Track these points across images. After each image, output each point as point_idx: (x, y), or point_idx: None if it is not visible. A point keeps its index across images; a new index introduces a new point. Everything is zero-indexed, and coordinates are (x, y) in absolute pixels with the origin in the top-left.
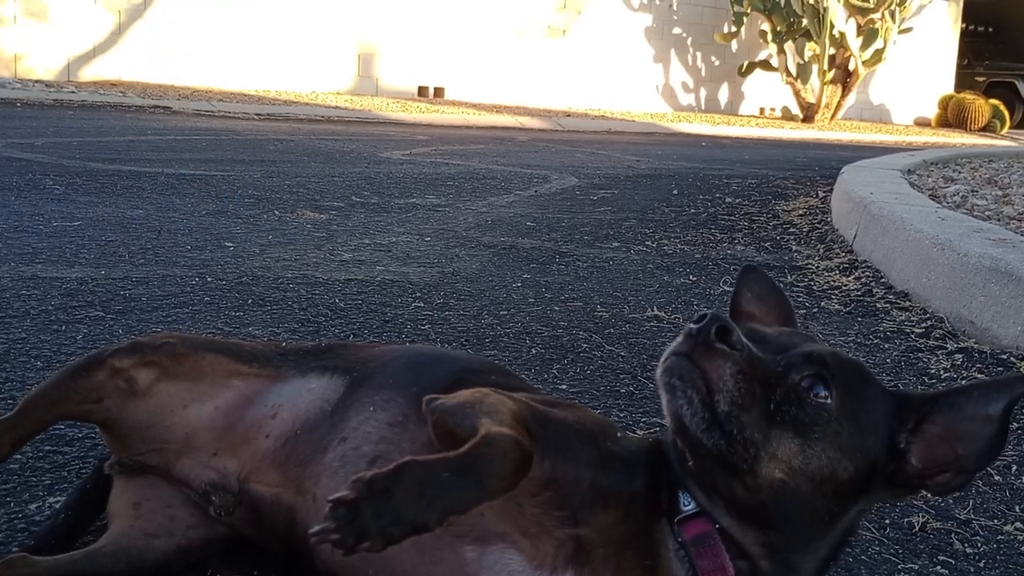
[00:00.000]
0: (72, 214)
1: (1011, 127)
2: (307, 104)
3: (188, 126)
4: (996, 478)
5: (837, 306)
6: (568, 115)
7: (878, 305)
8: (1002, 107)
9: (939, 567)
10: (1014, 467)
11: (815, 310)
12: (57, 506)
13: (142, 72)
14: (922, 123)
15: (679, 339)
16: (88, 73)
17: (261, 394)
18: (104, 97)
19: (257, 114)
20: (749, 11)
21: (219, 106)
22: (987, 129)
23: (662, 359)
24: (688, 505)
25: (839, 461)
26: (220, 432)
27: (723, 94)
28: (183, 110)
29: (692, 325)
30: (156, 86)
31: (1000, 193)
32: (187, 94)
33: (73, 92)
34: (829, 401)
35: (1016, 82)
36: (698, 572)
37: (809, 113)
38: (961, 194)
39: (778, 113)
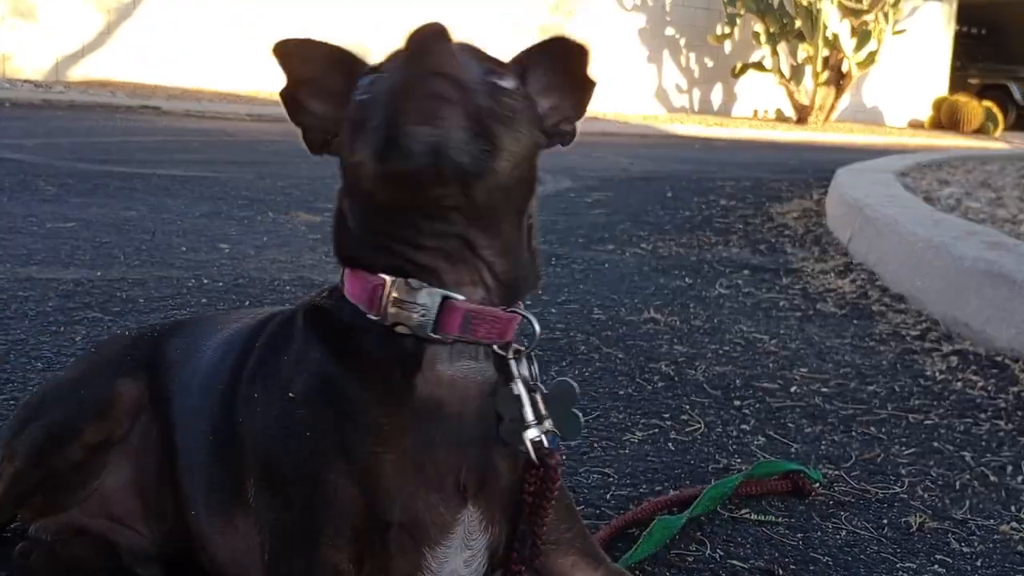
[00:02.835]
0: (65, 215)
1: (1004, 129)
2: None
3: (179, 127)
4: (992, 479)
5: (833, 308)
6: None
7: (874, 308)
8: (995, 109)
9: (936, 566)
10: (1009, 467)
11: (811, 313)
12: None
13: (131, 72)
14: (916, 125)
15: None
16: (77, 73)
17: None
18: (93, 97)
19: (248, 114)
20: (742, 12)
21: (209, 106)
22: (980, 131)
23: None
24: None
25: (537, 135)
26: None
27: (716, 96)
28: (173, 110)
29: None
30: (145, 86)
31: (994, 196)
32: (177, 94)
33: (62, 92)
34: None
35: (1009, 84)
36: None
37: (803, 115)
38: (955, 197)
39: (772, 115)
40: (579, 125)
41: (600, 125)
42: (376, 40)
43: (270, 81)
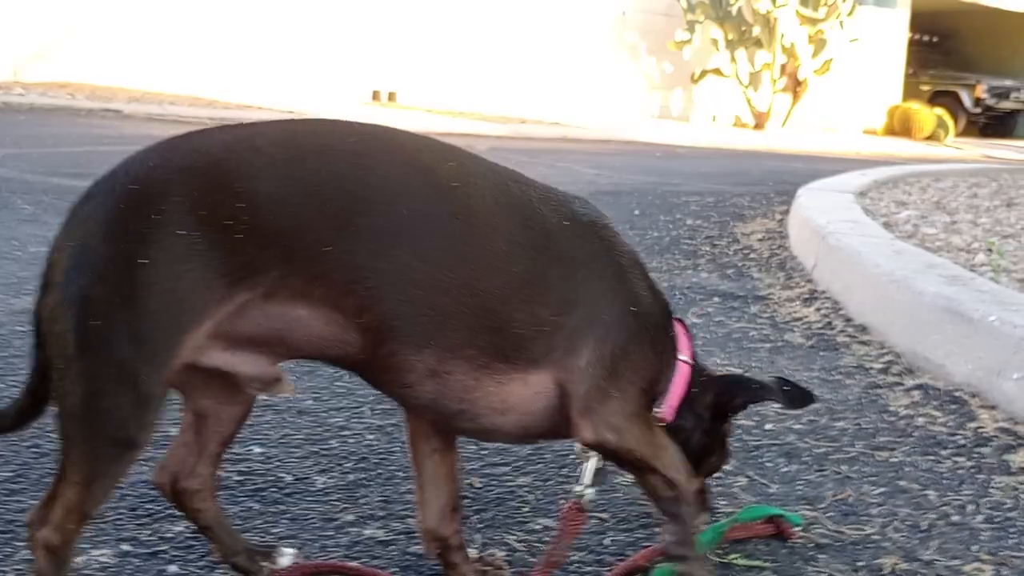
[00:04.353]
0: (47, 237)
1: (955, 136)
2: (261, 109)
3: (143, 133)
4: (955, 518)
5: (800, 339)
6: (524, 122)
7: (838, 339)
8: (946, 116)
9: None
10: (970, 506)
11: (780, 344)
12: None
13: (89, 74)
14: (870, 132)
15: None
16: (35, 75)
17: None
18: (53, 100)
19: (211, 118)
20: (702, 19)
21: (170, 110)
22: (932, 138)
23: None
24: None
25: None
26: None
27: (676, 101)
28: (134, 113)
29: None
30: (105, 88)
31: (948, 220)
32: (137, 96)
33: (21, 95)
34: None
35: (959, 91)
36: None
37: (760, 121)
38: (912, 221)
39: (730, 121)
40: (542, 131)
41: (561, 131)
42: (334, 38)
43: (230, 84)
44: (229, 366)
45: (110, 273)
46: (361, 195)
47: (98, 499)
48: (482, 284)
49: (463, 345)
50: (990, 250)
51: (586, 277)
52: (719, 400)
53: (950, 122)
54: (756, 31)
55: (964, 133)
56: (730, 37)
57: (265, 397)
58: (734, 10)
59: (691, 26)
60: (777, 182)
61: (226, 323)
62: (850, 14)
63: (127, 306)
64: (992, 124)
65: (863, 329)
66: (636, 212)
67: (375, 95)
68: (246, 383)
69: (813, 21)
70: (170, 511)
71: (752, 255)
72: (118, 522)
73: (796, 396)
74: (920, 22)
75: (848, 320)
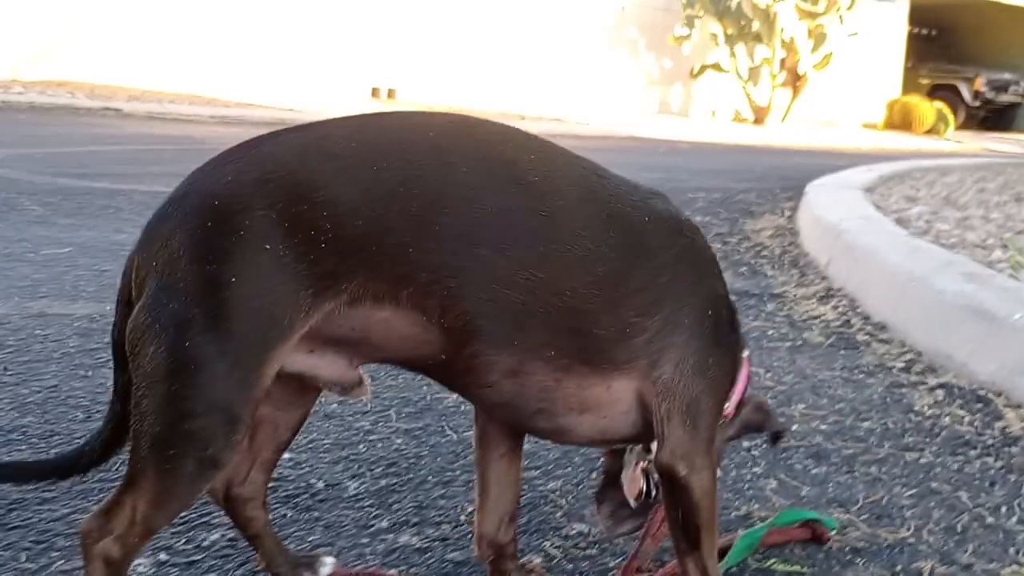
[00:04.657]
0: (59, 239)
1: (954, 129)
2: (261, 107)
3: (145, 132)
4: (989, 520)
5: (819, 338)
6: (523, 118)
7: (858, 337)
8: (946, 109)
9: None
10: (1003, 508)
11: (799, 342)
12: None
13: (89, 72)
14: (870, 126)
15: None
16: (34, 74)
17: None
18: (53, 99)
19: (211, 117)
20: (701, 14)
21: (170, 108)
22: (932, 132)
23: None
24: None
25: None
26: None
27: (676, 96)
28: (134, 112)
29: None
30: (104, 87)
31: (960, 215)
32: (137, 95)
33: (21, 93)
34: None
35: (959, 84)
36: None
37: (760, 116)
38: (924, 218)
39: (730, 115)
40: (543, 127)
41: (562, 127)
42: (334, 35)
43: (231, 83)
44: (312, 370)
45: (200, 294)
46: (443, 192)
47: (169, 516)
48: (566, 283)
49: (545, 345)
50: (1006, 246)
51: (671, 279)
52: (756, 418)
53: (950, 116)
54: (755, 26)
55: (963, 126)
56: (729, 32)
57: (344, 399)
58: (733, 5)
59: (690, 21)
60: (781, 177)
61: (311, 330)
62: (850, 8)
63: (217, 327)
64: (991, 117)
65: (882, 327)
66: None
67: (375, 92)
68: (327, 385)
69: (813, 15)
70: (204, 519)
71: (764, 252)
72: None
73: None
74: (919, 15)
75: (866, 318)
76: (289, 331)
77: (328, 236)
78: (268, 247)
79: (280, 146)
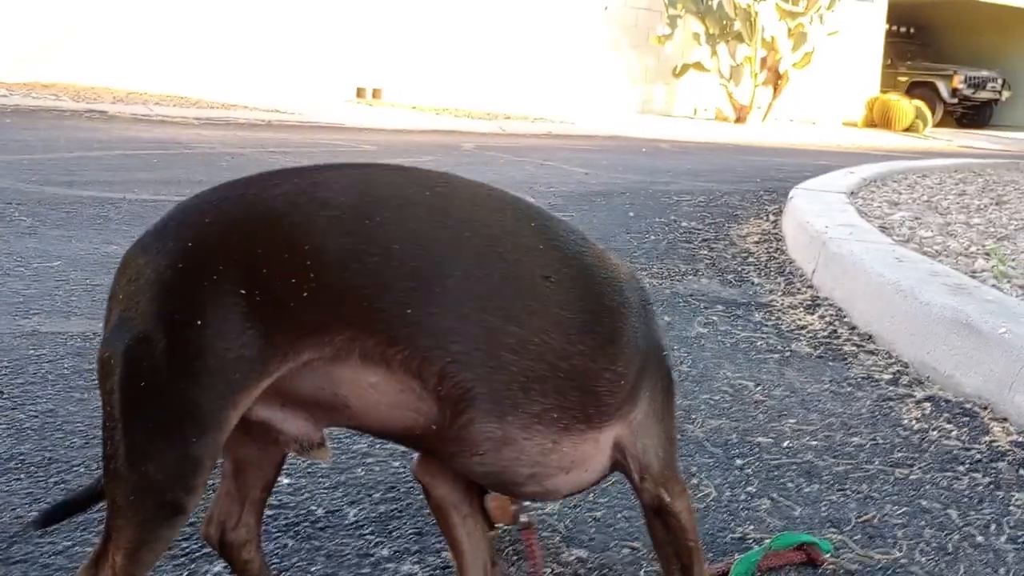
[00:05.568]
0: (48, 252)
1: (932, 126)
2: (246, 108)
3: (131, 136)
4: (979, 539)
5: (807, 349)
6: (508, 118)
7: (845, 348)
8: (924, 107)
9: None
10: (992, 526)
11: (787, 354)
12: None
13: (74, 75)
14: (850, 124)
15: None
16: (18, 76)
17: None
18: (38, 101)
19: (196, 118)
20: (683, 14)
21: (156, 110)
22: (911, 129)
23: None
24: None
25: None
26: None
27: (659, 95)
28: (120, 114)
29: None
30: (88, 89)
31: (942, 221)
32: (122, 97)
33: (5, 96)
34: None
35: (936, 82)
36: None
37: (741, 114)
38: (907, 224)
39: (712, 114)
40: (527, 127)
41: (547, 127)
42: (318, 35)
43: (215, 84)
44: (275, 422)
45: (161, 334)
46: (444, 255)
47: (146, 565)
48: (575, 346)
49: (551, 409)
50: (988, 255)
51: (638, 325)
52: None
53: (928, 113)
54: (737, 25)
55: (941, 123)
56: (711, 31)
57: (300, 459)
58: (715, 4)
59: (672, 20)
60: (764, 179)
61: (286, 380)
62: (829, 7)
63: (178, 367)
64: (969, 114)
65: (869, 338)
66: (631, 214)
67: (360, 92)
68: (286, 442)
69: (793, 15)
70: (205, 550)
71: (750, 259)
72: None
73: None
74: (896, 13)
75: (853, 328)
76: (259, 376)
77: (313, 286)
78: (243, 292)
79: (269, 190)
